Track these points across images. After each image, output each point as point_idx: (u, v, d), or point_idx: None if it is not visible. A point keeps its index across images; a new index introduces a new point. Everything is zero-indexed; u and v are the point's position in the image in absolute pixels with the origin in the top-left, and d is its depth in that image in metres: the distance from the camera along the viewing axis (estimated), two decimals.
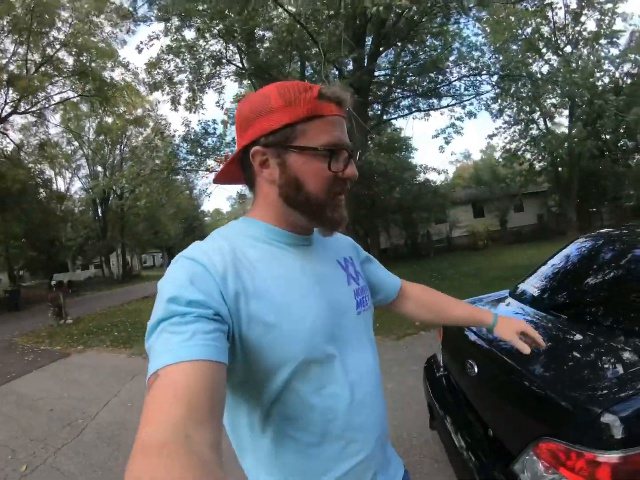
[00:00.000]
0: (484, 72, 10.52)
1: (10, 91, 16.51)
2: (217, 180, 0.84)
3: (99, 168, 26.71)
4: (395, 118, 14.49)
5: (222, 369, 0.53)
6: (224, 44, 7.64)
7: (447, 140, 12.97)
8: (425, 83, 11.36)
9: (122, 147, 26.36)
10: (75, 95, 19.05)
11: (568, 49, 19.41)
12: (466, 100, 12.05)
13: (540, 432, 1.17)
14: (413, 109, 12.63)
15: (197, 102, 8.43)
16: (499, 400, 1.45)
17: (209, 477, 0.41)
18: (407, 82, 11.57)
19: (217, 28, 6.64)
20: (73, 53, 16.92)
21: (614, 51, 18.71)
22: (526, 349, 0.95)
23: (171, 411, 0.45)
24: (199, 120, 9.07)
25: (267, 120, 0.67)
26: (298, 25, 6.57)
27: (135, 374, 4.75)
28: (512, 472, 1.23)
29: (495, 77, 10.85)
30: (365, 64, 7.89)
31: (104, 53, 17.27)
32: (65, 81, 18.20)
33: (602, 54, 18.74)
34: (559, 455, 1.08)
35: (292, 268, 0.71)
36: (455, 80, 11.34)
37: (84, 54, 16.75)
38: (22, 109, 17.83)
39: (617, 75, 19.27)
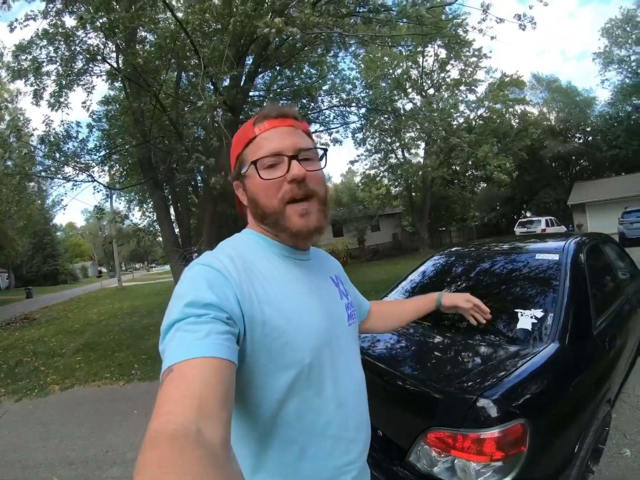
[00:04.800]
0: (353, 104, 11.40)
1: None
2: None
3: None
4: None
5: (233, 369, 0.56)
6: (104, 39, 6.99)
7: None
8: (297, 108, 11.84)
9: None
10: None
11: (431, 91, 22.30)
12: (334, 128, 12.94)
13: (426, 425, 1.31)
14: None
15: (62, 99, 7.46)
16: (383, 403, 1.57)
17: (219, 471, 0.41)
18: (280, 105, 11.95)
19: (101, 21, 6.08)
20: None
21: (472, 97, 22.06)
22: (484, 317, 1.16)
23: (183, 405, 0.46)
24: (62, 121, 7.94)
25: (232, 160, 0.83)
26: (182, 34, 6.37)
27: None
28: (409, 463, 1.35)
29: (363, 110, 11.84)
30: (242, 83, 7.94)
31: None
32: None
33: (461, 98, 21.90)
34: (447, 441, 1.23)
35: (295, 278, 0.77)
36: (325, 109, 12.12)
37: None
38: None
39: (471, 117, 22.74)
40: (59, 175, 7.98)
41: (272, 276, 0.73)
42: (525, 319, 1.75)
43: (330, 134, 13.17)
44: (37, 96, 7.45)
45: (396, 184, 25.39)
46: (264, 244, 0.79)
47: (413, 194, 25.58)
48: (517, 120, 24.99)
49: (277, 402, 0.68)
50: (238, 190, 0.83)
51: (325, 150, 0.83)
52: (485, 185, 30.63)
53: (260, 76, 11.02)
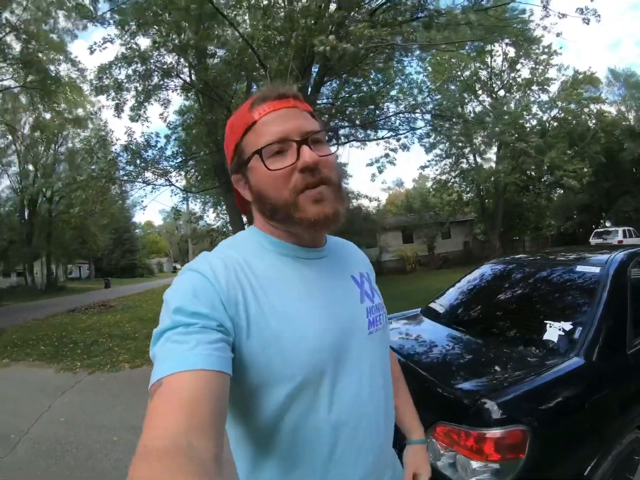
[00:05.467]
0: (418, 110, 11.30)
1: None
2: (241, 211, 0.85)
3: (30, 167, 24.73)
4: (334, 145, 15.18)
5: (224, 379, 0.54)
6: (177, 57, 7.76)
7: (380, 169, 13.48)
8: (364, 114, 11.91)
9: (57, 147, 24.63)
10: (17, 85, 17.71)
11: (502, 92, 21.30)
12: (401, 134, 12.73)
13: (436, 418, 1.40)
14: (351, 138, 13.11)
15: (141, 112, 8.33)
16: None
17: None
18: (347, 112, 12.14)
19: (173, 43, 6.76)
20: (22, 39, 15.41)
21: (544, 97, 20.73)
22: None
23: (174, 418, 0.46)
24: (142, 132, 8.93)
25: (228, 151, 0.74)
26: (249, 49, 6.83)
27: (65, 390, 4.60)
28: None
29: (428, 116, 11.70)
30: (309, 93, 8.25)
31: (53, 45, 16.21)
32: (8, 68, 16.82)
33: (533, 99, 20.70)
34: (452, 436, 1.31)
35: (297, 283, 0.69)
36: (391, 115, 12.05)
37: (33, 42, 15.46)
38: None
39: (544, 118, 21.36)
40: (140, 179, 8.92)
41: (269, 281, 0.66)
42: (553, 331, 1.76)
43: (398, 140, 13.05)
44: (119, 109, 8.43)
45: (467, 190, 24.41)
46: (266, 243, 0.72)
47: (485, 200, 24.39)
48: (593, 121, 22.90)
49: (272, 417, 0.64)
50: (238, 184, 0.75)
51: (328, 132, 0.77)
52: (561, 192, 28.42)
53: (327, 84, 11.36)
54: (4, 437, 3.39)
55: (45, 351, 6.71)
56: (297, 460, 0.66)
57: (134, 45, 7.52)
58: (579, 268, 2.15)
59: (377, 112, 11.88)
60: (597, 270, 2.03)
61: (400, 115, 12.03)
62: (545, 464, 1.29)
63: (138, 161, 8.47)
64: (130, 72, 7.84)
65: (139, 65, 7.52)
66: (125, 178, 9.00)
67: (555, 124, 21.15)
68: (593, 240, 17.72)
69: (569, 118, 20.35)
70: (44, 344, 7.28)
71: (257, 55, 6.53)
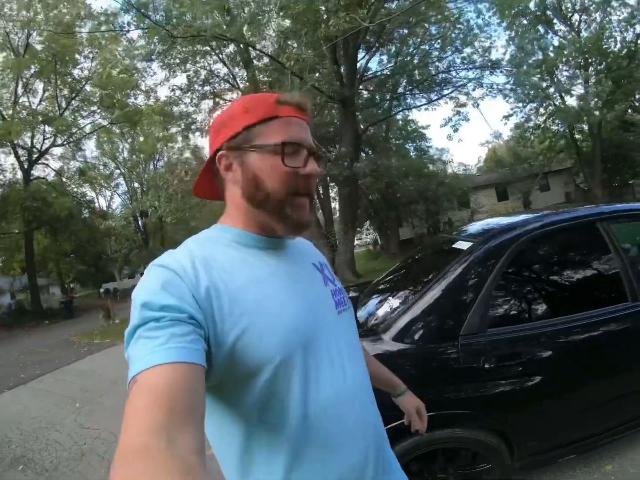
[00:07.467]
0: (463, 66, 11.83)
1: (47, 127, 19.54)
2: (196, 193, 0.85)
3: (136, 184, 28.61)
4: (404, 110, 15.87)
5: (199, 371, 0.53)
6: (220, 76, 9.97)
7: (455, 127, 14.10)
8: (431, 73, 12.19)
9: (155, 163, 28.16)
10: (106, 123, 21.60)
11: (576, 17, 18.84)
12: (471, 81, 12.87)
13: None
14: (424, 100, 13.60)
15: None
16: None
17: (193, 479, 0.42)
18: (409, 76, 12.43)
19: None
20: (98, 88, 19.25)
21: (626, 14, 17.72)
22: (419, 426, 1.06)
23: (151, 415, 0.46)
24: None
25: (230, 126, 0.72)
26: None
27: None
28: None
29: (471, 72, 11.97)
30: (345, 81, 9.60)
31: (126, 84, 19.00)
32: (96, 109, 20.88)
33: (616, 17, 17.86)
34: None
35: (264, 270, 0.70)
36: (452, 70, 12.49)
37: (108, 87, 18.95)
38: (60, 142, 21.07)
39: (627, 38, 18.34)
40: None
41: (237, 270, 0.67)
42: (384, 308, 1.85)
43: (467, 95, 13.30)
44: (188, 130, 11.17)
45: (557, 134, 21.48)
46: (230, 236, 0.74)
47: (584, 144, 21.11)
48: None
49: (260, 400, 0.64)
50: (224, 161, 0.73)
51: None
52: None
53: (386, 51, 12.34)
54: (114, 382, 5.24)
55: None
56: (289, 440, 0.65)
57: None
58: (457, 244, 1.94)
59: (442, 67, 12.32)
60: (466, 247, 1.82)
61: (467, 71, 12.38)
62: None
63: None
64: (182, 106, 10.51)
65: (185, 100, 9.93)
66: None
67: None
68: None
69: None
70: None
71: (291, 71, 8.02)
